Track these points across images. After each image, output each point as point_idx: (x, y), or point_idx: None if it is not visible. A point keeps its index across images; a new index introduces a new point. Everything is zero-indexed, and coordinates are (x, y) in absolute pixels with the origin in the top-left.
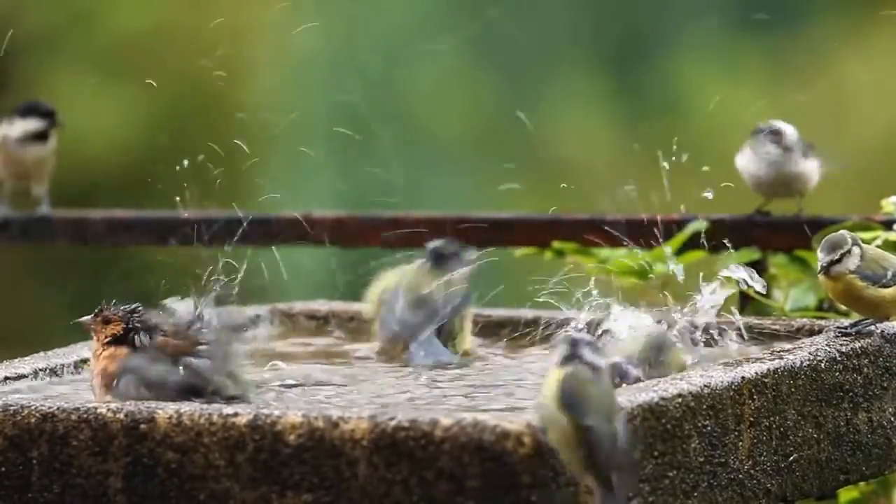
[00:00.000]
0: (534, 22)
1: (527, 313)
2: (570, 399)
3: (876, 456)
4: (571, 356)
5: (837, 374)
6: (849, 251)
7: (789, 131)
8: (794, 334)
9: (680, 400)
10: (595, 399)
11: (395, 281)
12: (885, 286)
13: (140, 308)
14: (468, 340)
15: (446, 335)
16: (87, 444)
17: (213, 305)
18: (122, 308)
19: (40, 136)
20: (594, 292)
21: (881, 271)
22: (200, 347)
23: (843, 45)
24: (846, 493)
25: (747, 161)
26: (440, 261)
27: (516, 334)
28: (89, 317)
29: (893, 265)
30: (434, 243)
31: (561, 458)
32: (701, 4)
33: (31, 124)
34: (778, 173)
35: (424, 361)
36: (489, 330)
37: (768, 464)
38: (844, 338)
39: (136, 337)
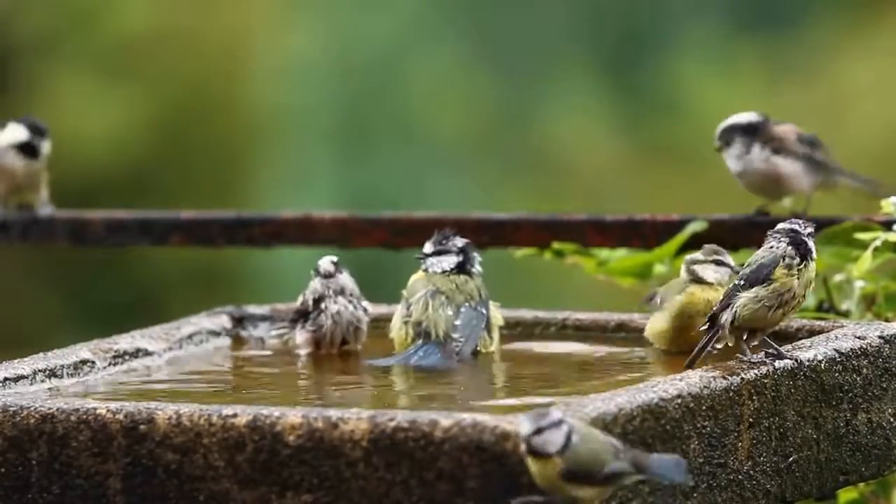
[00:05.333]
0: (534, 22)
1: (526, 314)
2: None
3: (875, 457)
4: None
5: (837, 374)
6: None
7: (745, 127)
8: (793, 335)
9: (679, 401)
10: None
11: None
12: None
13: None
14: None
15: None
16: (86, 444)
17: None
18: None
19: (27, 150)
20: None
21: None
22: None
23: (843, 45)
24: (845, 494)
25: (730, 163)
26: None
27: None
28: None
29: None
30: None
31: None
32: (701, 4)
33: (18, 134)
34: (748, 172)
35: (423, 362)
36: None
37: (768, 464)
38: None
39: None
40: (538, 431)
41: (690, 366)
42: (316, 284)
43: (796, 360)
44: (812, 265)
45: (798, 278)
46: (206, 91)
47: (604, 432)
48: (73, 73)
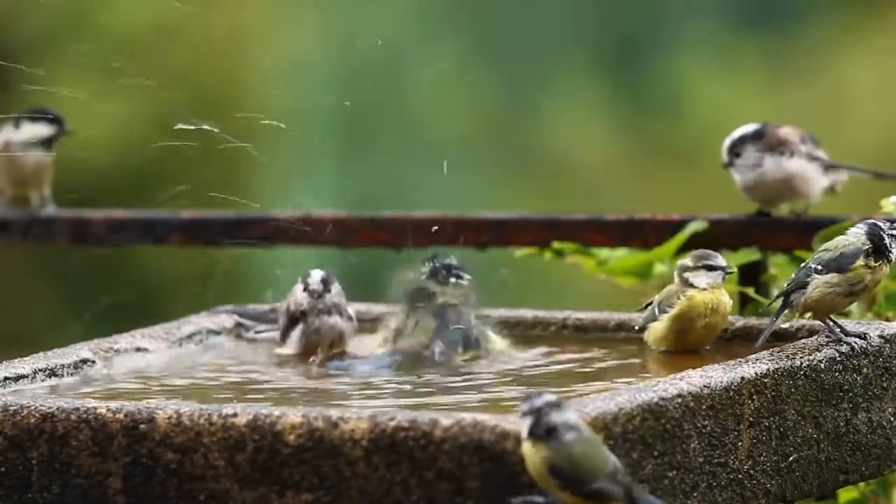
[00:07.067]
0: (534, 22)
1: (526, 314)
2: None
3: (875, 456)
4: None
5: (837, 374)
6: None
7: (750, 137)
8: (793, 334)
9: (679, 400)
10: None
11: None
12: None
13: None
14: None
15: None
16: (86, 444)
17: None
18: None
19: (46, 143)
20: None
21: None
22: None
23: (843, 45)
24: (846, 493)
25: (740, 176)
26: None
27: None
28: None
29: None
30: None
31: None
32: (701, 4)
33: (40, 129)
34: (763, 182)
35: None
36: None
37: (768, 464)
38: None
39: None
40: (539, 410)
41: (760, 343)
42: (302, 297)
43: (863, 337)
44: (887, 265)
45: (872, 272)
46: (206, 90)
47: (608, 449)
48: (72, 72)
